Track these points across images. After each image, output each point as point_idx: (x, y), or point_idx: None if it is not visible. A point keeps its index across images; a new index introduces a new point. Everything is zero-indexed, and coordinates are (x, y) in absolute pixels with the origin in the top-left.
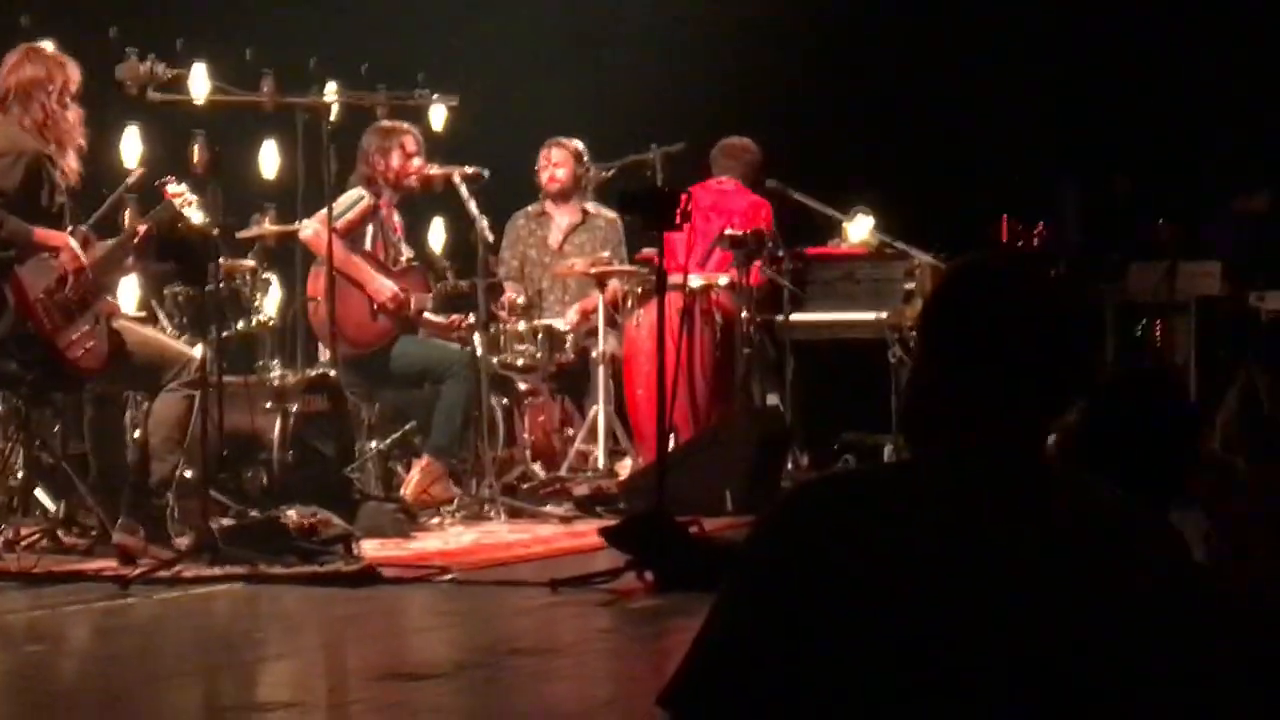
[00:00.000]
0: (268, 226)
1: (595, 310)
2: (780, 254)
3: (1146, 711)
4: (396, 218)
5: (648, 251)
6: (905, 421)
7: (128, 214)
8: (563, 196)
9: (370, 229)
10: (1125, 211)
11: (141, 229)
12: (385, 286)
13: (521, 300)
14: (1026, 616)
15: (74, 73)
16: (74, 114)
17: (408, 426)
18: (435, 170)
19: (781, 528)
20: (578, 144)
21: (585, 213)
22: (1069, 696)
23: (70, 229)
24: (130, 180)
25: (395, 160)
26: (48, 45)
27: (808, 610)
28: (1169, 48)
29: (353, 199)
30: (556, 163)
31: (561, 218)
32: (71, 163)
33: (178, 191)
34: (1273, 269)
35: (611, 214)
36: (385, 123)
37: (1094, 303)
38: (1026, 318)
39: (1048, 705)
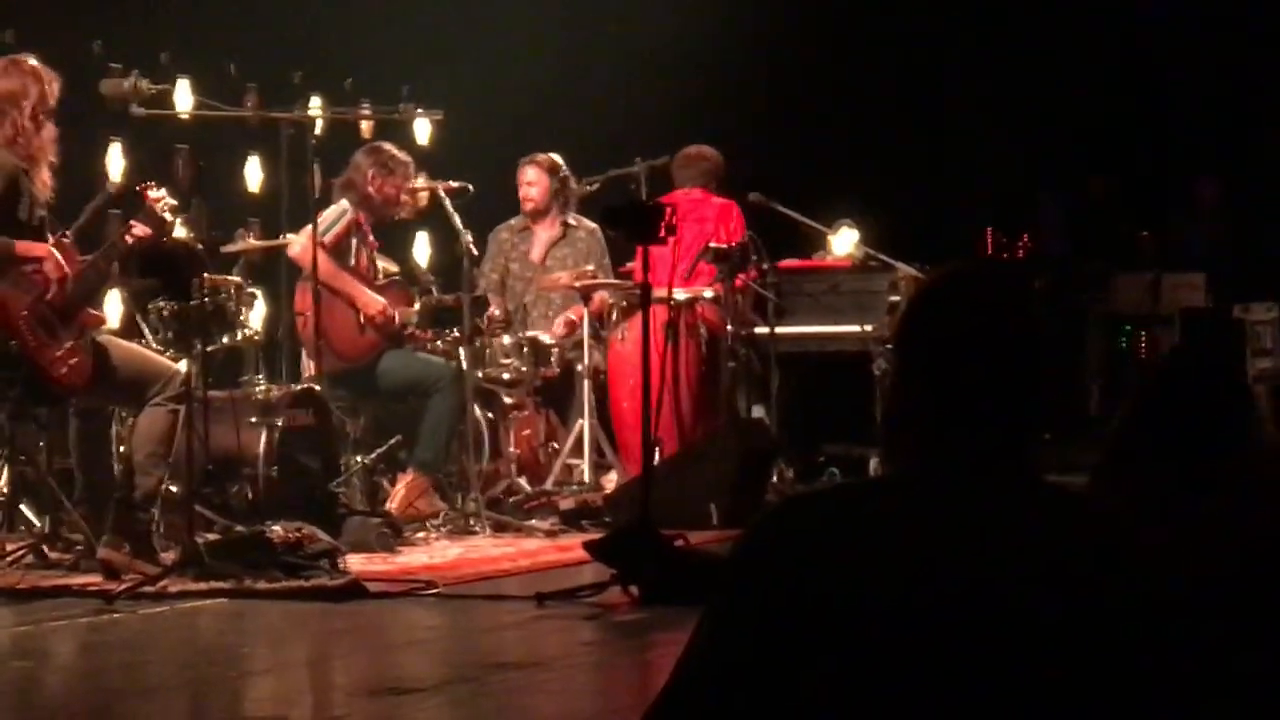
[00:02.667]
0: (252, 241)
1: (581, 321)
2: (765, 265)
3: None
4: (371, 236)
5: (632, 264)
6: (884, 437)
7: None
8: (539, 215)
9: (354, 243)
10: (1106, 215)
11: (136, 230)
12: (374, 300)
13: (499, 314)
14: (1004, 632)
15: (52, 87)
16: (48, 131)
17: (393, 441)
18: (420, 184)
19: (763, 545)
20: (554, 156)
21: (566, 225)
22: (1045, 708)
23: (51, 240)
24: (110, 190)
25: (390, 188)
26: (29, 59)
27: (789, 627)
28: (1152, 59)
29: (338, 213)
30: (530, 181)
31: (543, 232)
32: (45, 177)
33: (158, 196)
34: (1254, 279)
35: (592, 225)
36: (387, 146)
37: (1073, 314)
38: (995, 330)
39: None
